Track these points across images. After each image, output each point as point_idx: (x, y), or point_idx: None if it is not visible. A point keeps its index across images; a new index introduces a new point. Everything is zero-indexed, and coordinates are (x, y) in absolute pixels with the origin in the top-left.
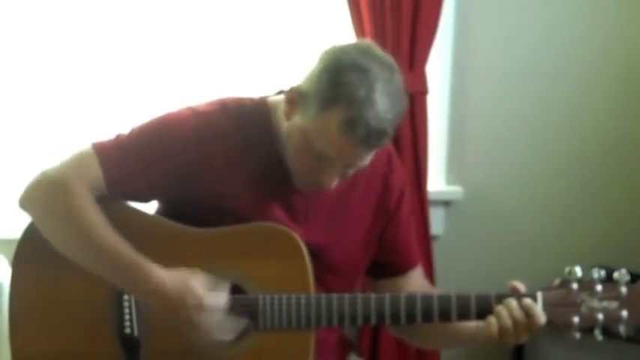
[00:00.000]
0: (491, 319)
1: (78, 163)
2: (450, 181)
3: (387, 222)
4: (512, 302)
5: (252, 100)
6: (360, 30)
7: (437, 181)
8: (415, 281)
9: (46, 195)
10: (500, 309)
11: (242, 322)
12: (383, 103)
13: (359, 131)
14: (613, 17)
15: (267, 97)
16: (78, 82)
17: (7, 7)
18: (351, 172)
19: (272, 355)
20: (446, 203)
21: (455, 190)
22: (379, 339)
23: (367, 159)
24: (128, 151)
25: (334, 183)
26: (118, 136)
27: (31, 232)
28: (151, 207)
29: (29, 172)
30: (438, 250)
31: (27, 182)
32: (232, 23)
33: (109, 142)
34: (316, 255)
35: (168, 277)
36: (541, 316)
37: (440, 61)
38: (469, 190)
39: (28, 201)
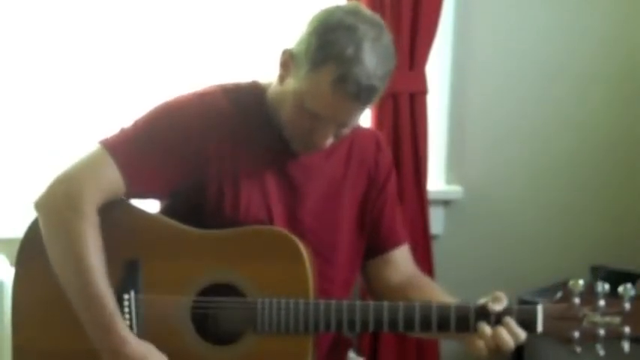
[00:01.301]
0: (479, 343)
1: (93, 167)
2: (449, 180)
3: (376, 197)
4: (503, 331)
5: (245, 82)
6: None
7: (437, 181)
8: (402, 264)
9: (59, 208)
10: (486, 330)
11: (241, 325)
12: (371, 60)
13: (349, 87)
14: (613, 17)
15: (258, 80)
16: (78, 80)
17: (8, 8)
18: (344, 131)
19: (270, 357)
20: (446, 203)
21: (455, 190)
22: (379, 338)
23: (358, 116)
24: (139, 143)
25: (328, 142)
26: (123, 130)
27: (33, 232)
28: (153, 207)
29: (29, 171)
30: (437, 250)
31: (47, 184)
32: (231, 21)
33: (116, 138)
34: (309, 237)
35: (135, 345)
36: (522, 338)
37: (440, 61)
38: (469, 189)
39: (42, 207)
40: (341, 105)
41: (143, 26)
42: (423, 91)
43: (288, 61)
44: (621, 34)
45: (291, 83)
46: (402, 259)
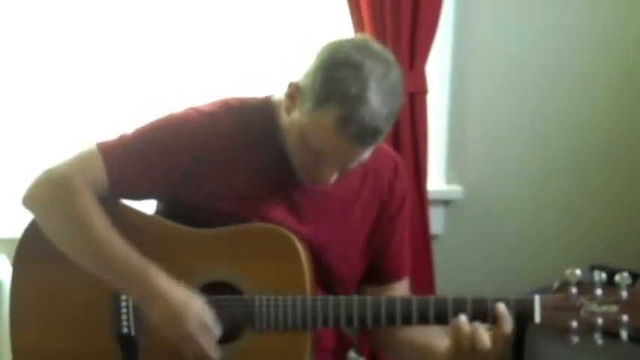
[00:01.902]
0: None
1: (81, 162)
2: (449, 180)
3: (385, 226)
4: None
5: (256, 99)
6: (360, 30)
7: (437, 181)
8: (400, 294)
9: (50, 194)
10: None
11: (239, 323)
12: (376, 100)
13: (352, 129)
14: (613, 17)
15: (272, 95)
16: (79, 81)
17: (10, 7)
18: (351, 167)
19: (269, 355)
20: (446, 202)
21: (455, 190)
22: None
23: (364, 155)
24: (131, 151)
25: (332, 178)
26: (122, 136)
27: (31, 232)
28: (149, 207)
29: (30, 171)
30: (437, 250)
31: (30, 180)
32: (233, 23)
33: (113, 141)
34: (315, 254)
35: (173, 286)
36: (508, 325)
37: (440, 60)
38: (469, 189)
39: (31, 199)
40: (344, 146)
41: (145, 29)
42: (423, 91)
43: (295, 93)
44: (621, 34)
45: (296, 116)
46: (400, 292)
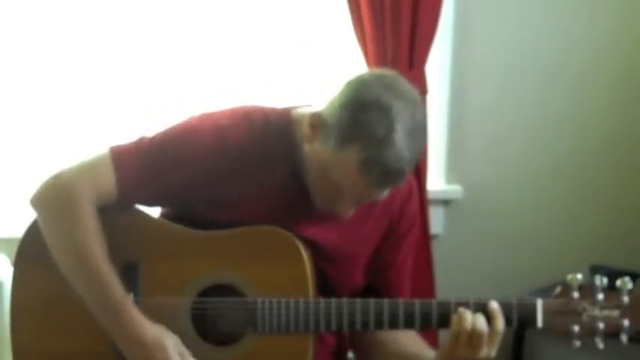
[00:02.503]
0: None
1: (92, 168)
2: (449, 180)
3: (391, 244)
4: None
5: (275, 112)
6: (360, 30)
7: (436, 181)
8: None
9: (53, 200)
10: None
11: (241, 326)
12: (402, 144)
13: (376, 171)
14: (613, 17)
15: (292, 108)
16: (81, 81)
17: (15, 8)
18: (369, 201)
19: (270, 358)
20: (445, 202)
21: (454, 190)
22: None
23: (384, 195)
24: (145, 161)
25: (350, 212)
26: (137, 142)
27: (32, 232)
28: (154, 210)
29: (30, 171)
30: (437, 250)
31: (42, 180)
32: (233, 23)
33: (127, 148)
34: (317, 257)
35: (147, 328)
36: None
37: (439, 60)
38: (469, 189)
39: (37, 201)
40: (365, 187)
41: (151, 32)
42: (422, 91)
43: (317, 125)
44: (621, 34)
45: (318, 148)
46: None
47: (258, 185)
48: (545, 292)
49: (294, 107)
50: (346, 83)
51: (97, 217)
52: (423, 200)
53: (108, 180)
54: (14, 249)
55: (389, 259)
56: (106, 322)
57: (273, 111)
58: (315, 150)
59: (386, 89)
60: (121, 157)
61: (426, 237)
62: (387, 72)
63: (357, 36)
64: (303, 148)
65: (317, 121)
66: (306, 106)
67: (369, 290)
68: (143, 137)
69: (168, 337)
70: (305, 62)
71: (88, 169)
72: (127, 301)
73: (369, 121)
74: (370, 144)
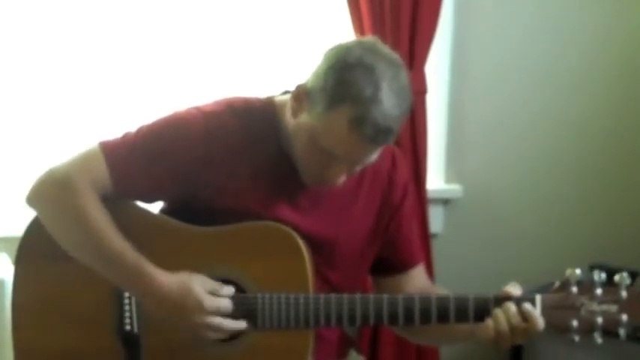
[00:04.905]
0: (489, 323)
1: (84, 161)
2: (449, 179)
3: (391, 218)
4: (511, 307)
5: (259, 99)
6: (360, 29)
7: (436, 180)
8: (417, 280)
9: (53, 193)
10: (498, 313)
11: (241, 321)
12: (389, 101)
13: (366, 129)
14: (612, 17)
15: (274, 96)
16: (80, 80)
17: (13, 8)
18: (358, 168)
19: (271, 353)
20: (445, 201)
21: (454, 189)
22: (379, 336)
23: (374, 156)
24: (134, 150)
25: (341, 180)
26: (125, 135)
27: (33, 230)
28: (154, 206)
29: (31, 170)
30: (437, 249)
31: (34, 179)
32: (233, 23)
33: (115, 140)
34: (318, 248)
35: (169, 280)
36: (539, 322)
37: (439, 60)
38: (468, 188)
39: (35, 198)
40: (357, 145)
41: (147, 29)
42: (422, 91)
43: (302, 96)
44: (621, 34)
45: (305, 119)
46: (419, 278)
47: (247, 168)
48: (545, 291)
49: (275, 95)
50: (326, 52)
51: (98, 199)
52: (422, 199)
53: (101, 171)
54: (15, 247)
55: (395, 230)
56: (127, 287)
57: (256, 98)
58: (301, 122)
59: (367, 51)
60: (111, 149)
61: (425, 235)
62: (368, 37)
63: (357, 36)
64: (288, 129)
65: (302, 92)
66: (285, 93)
67: (387, 263)
68: (129, 131)
69: (192, 280)
70: (305, 62)
71: (81, 162)
72: (142, 262)
73: (355, 80)
74: (359, 102)
